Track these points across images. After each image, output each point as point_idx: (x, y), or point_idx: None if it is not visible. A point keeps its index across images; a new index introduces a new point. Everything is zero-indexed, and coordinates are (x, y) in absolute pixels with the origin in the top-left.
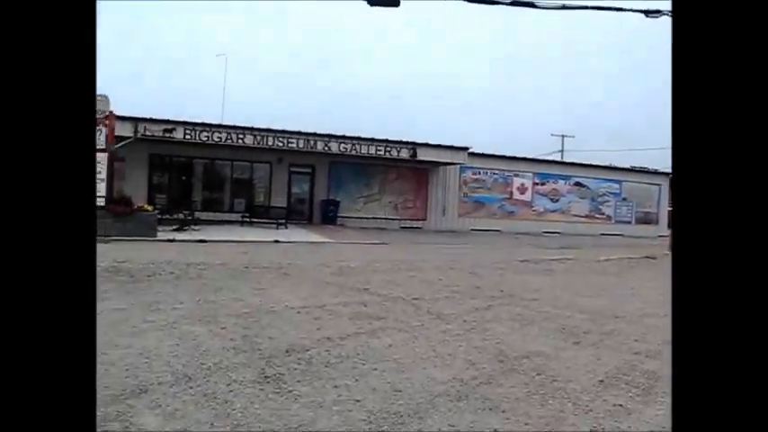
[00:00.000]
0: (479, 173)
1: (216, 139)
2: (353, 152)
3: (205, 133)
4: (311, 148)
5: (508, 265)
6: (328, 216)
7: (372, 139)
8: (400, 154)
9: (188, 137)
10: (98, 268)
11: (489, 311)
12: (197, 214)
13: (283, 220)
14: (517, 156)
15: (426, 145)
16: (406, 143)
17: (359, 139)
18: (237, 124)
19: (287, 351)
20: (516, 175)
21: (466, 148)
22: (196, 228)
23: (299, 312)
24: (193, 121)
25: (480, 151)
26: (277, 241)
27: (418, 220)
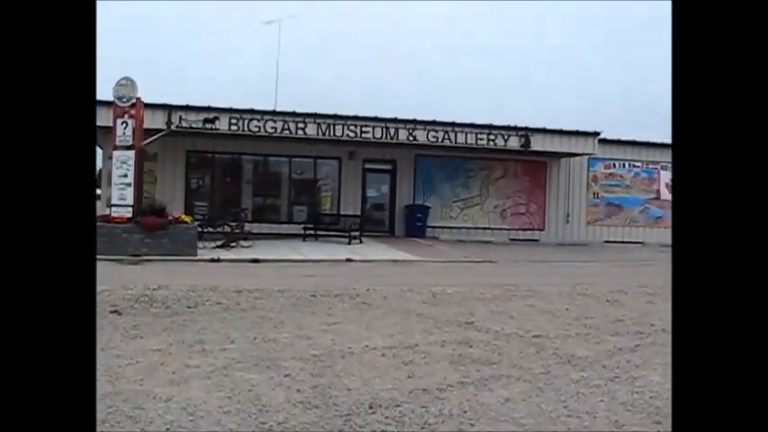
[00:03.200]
0: (614, 165)
1: (269, 130)
2: (446, 142)
3: (255, 122)
4: (391, 138)
5: (658, 291)
6: (415, 226)
7: (471, 125)
8: (508, 143)
9: (234, 128)
10: (127, 297)
11: (637, 353)
12: (247, 226)
13: (357, 233)
14: (665, 142)
15: (543, 131)
16: (516, 129)
17: (453, 125)
18: (296, 110)
19: (370, 407)
20: (664, 168)
21: (596, 134)
22: (246, 244)
23: (383, 355)
24: (240, 107)
25: (614, 137)
26: (350, 260)
27: (533, 229)
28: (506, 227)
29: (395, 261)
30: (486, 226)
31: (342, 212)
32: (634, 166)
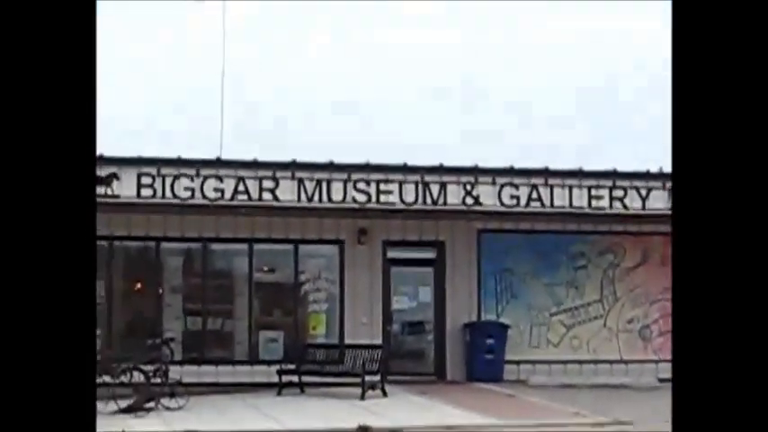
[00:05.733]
0: None
1: (211, 195)
2: (534, 206)
3: (186, 182)
4: (434, 201)
5: None
6: (482, 361)
7: (580, 173)
8: (649, 203)
9: (147, 192)
10: None
11: None
12: (175, 371)
13: (377, 377)
14: None
15: None
16: (664, 176)
17: (546, 173)
18: (257, 158)
19: None
20: None
21: None
22: (174, 403)
23: None
24: (159, 156)
25: None
26: (365, 429)
27: None
28: (653, 357)
29: (449, 428)
30: (615, 357)
31: (347, 341)
32: None
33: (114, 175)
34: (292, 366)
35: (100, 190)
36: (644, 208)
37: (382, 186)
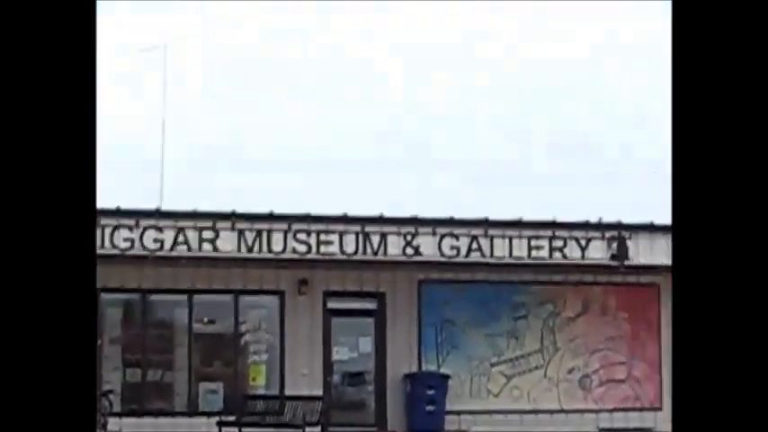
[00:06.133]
0: None
1: (150, 246)
2: (475, 256)
3: (126, 233)
4: (374, 252)
5: None
6: (423, 413)
7: (520, 223)
8: (588, 253)
9: None
10: None
11: None
12: (113, 422)
13: (317, 428)
14: None
15: (649, 228)
16: (602, 226)
17: (487, 223)
18: (197, 208)
19: None
20: None
21: None
22: None
23: None
24: (101, 207)
25: None
26: None
27: (642, 409)
28: (593, 407)
29: None
30: (556, 407)
31: (288, 392)
32: None
33: None
34: (232, 418)
35: None
36: (583, 258)
37: (323, 237)
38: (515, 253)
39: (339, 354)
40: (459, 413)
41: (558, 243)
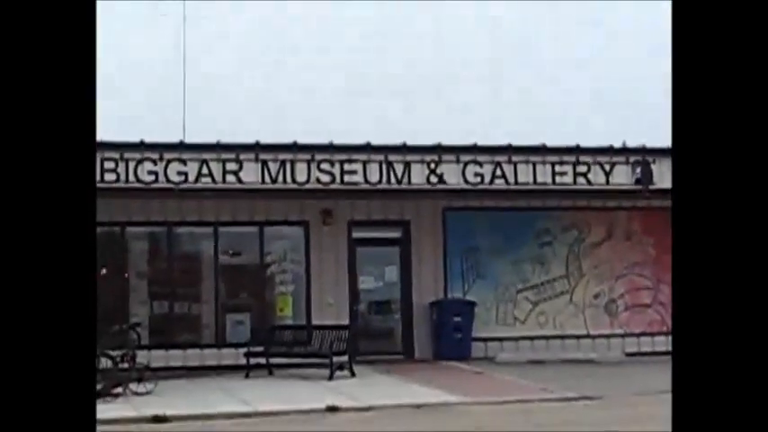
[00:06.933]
0: None
1: (174, 178)
2: (499, 183)
3: (150, 165)
4: (398, 180)
5: None
6: (450, 339)
7: (544, 149)
8: (613, 178)
9: (110, 177)
10: None
11: None
12: (142, 355)
13: (344, 357)
14: None
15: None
16: (627, 151)
17: (510, 149)
18: (220, 140)
19: None
20: None
21: None
22: (143, 388)
23: None
24: (118, 140)
25: None
26: (334, 409)
27: (667, 333)
28: (619, 331)
29: (418, 407)
30: (582, 332)
31: (314, 322)
32: None
33: None
34: (260, 348)
35: None
36: (608, 183)
37: (346, 167)
38: (539, 179)
39: (365, 283)
40: (485, 340)
41: (582, 168)
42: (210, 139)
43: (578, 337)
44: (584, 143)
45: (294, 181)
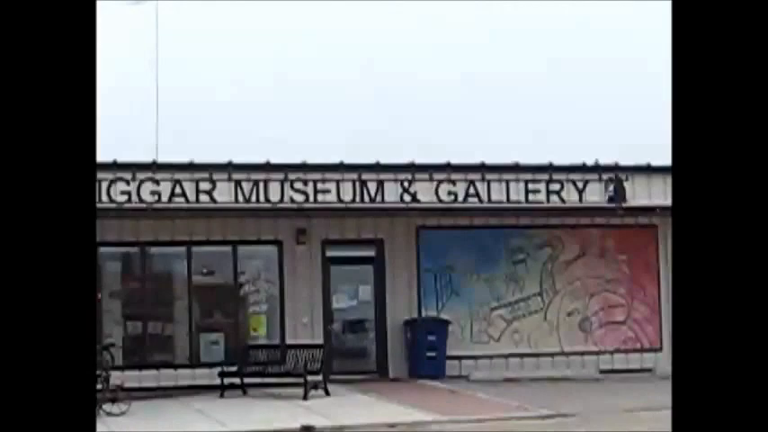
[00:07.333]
0: None
1: (147, 198)
2: (472, 201)
3: (123, 185)
4: (372, 199)
5: None
6: (423, 358)
7: (516, 167)
8: (585, 196)
9: None
10: None
11: None
12: (116, 376)
13: (318, 376)
14: None
15: (647, 169)
16: (599, 169)
17: (483, 168)
18: (194, 160)
19: None
20: None
21: None
22: (116, 409)
23: None
24: (98, 161)
25: None
26: (308, 428)
27: (642, 350)
28: (593, 349)
29: (392, 426)
30: (556, 350)
31: (289, 342)
32: None
33: None
34: (234, 368)
35: None
36: (581, 200)
37: (320, 186)
38: (513, 197)
39: (339, 302)
40: (459, 358)
41: (556, 186)
42: (183, 157)
43: (552, 354)
44: (558, 161)
45: (267, 200)
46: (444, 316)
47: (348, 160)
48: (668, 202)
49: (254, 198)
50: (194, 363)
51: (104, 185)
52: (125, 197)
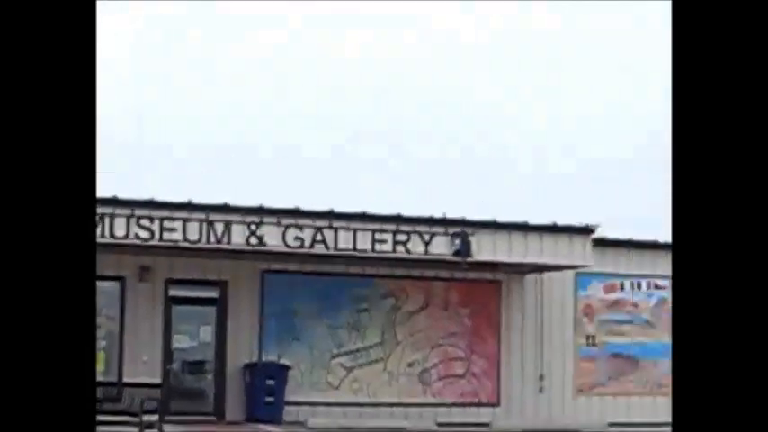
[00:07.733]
0: (622, 287)
1: None
2: (318, 248)
3: None
4: (218, 240)
5: None
6: (262, 403)
7: (364, 216)
8: (431, 249)
9: None
10: None
11: None
12: None
13: (154, 416)
14: None
15: (493, 225)
16: (446, 222)
17: (331, 215)
18: None
19: None
20: None
21: (588, 231)
22: None
23: None
24: None
25: (620, 237)
26: None
27: (479, 405)
28: (432, 401)
29: None
30: (395, 400)
31: (127, 379)
32: (657, 286)
33: None
34: None
35: None
36: (426, 253)
37: (166, 224)
38: (359, 246)
39: (179, 342)
40: (298, 404)
41: (402, 237)
42: None
43: (391, 405)
44: (405, 212)
45: (112, 236)
46: (285, 361)
47: (196, 200)
48: (512, 258)
49: (98, 232)
50: None
51: None
52: None
